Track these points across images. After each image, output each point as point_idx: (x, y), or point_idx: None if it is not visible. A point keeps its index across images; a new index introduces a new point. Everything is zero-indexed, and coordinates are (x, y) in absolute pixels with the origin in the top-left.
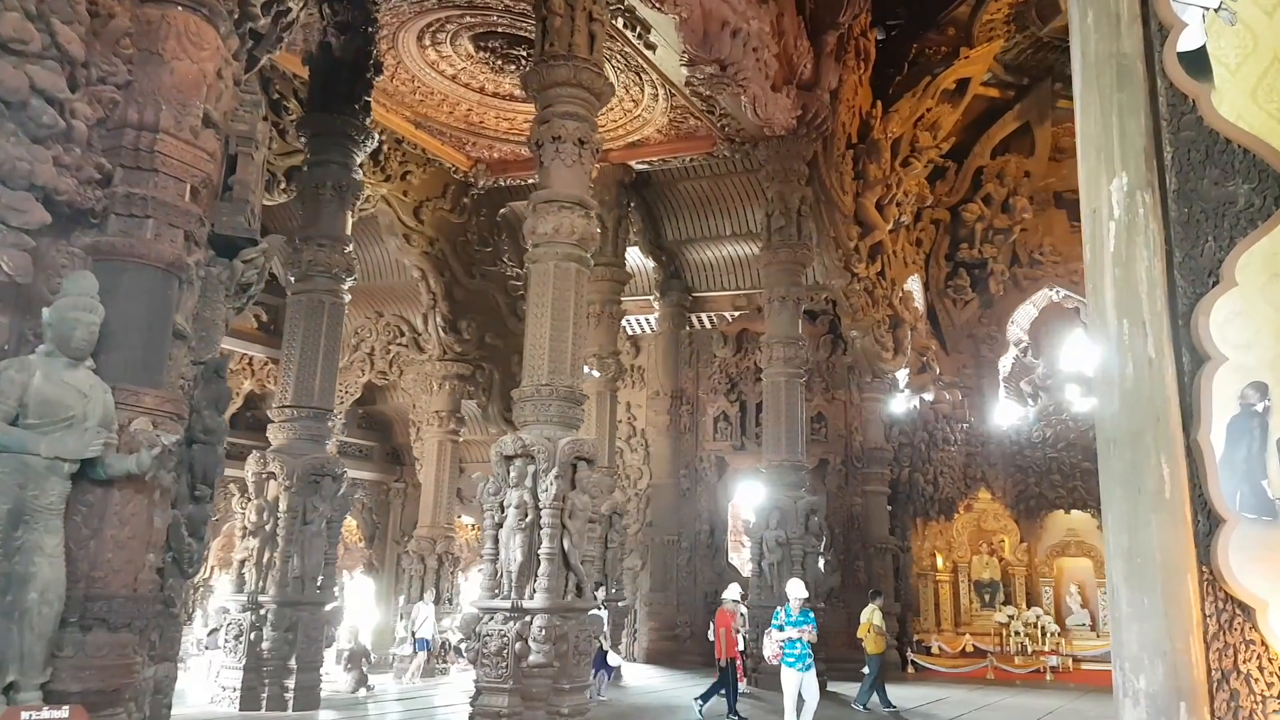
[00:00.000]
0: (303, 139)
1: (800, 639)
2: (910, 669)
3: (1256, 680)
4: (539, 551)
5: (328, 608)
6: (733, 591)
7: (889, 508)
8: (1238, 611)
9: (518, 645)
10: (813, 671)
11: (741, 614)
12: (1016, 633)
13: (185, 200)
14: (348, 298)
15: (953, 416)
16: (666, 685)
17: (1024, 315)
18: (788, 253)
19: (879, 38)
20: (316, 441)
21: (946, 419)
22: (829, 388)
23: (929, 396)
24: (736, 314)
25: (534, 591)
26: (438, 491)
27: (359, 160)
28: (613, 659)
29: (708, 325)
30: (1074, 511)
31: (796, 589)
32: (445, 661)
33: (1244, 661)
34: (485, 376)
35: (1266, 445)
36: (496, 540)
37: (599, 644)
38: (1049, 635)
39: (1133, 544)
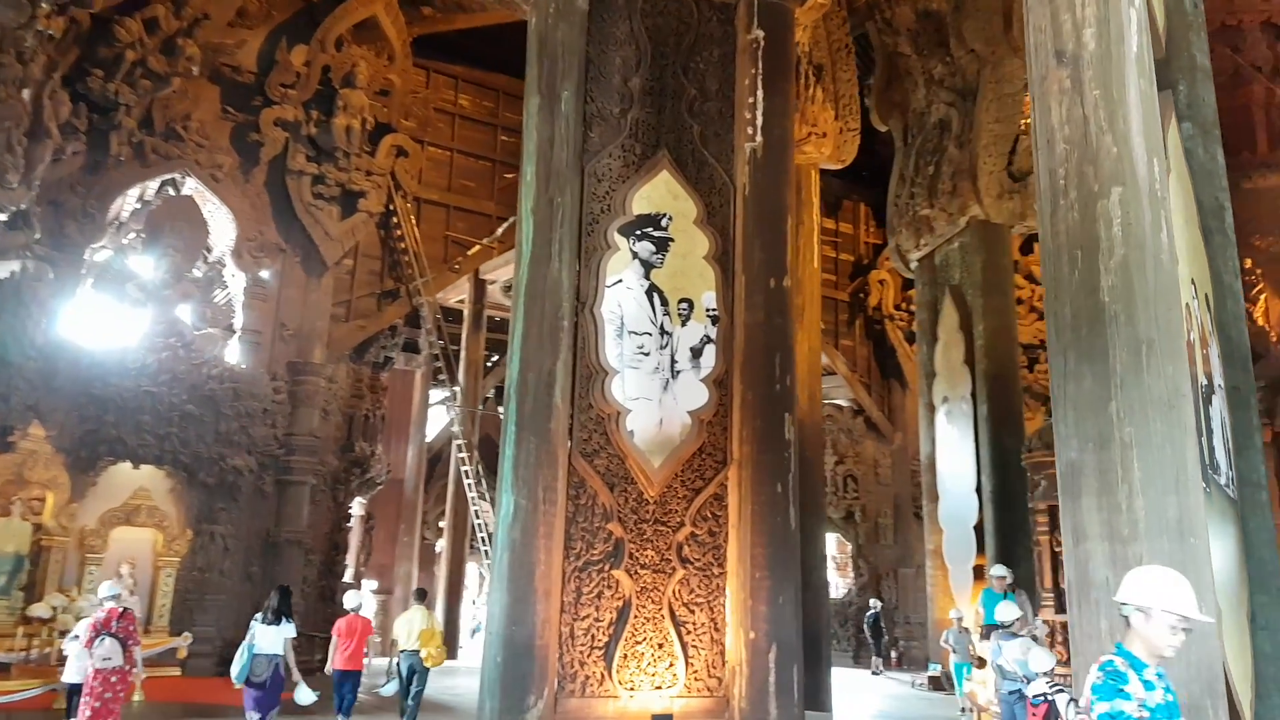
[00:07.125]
0: None
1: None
2: None
3: None
4: None
5: None
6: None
7: None
8: None
9: None
10: None
11: None
12: (63, 633)
13: None
14: None
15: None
16: None
17: (138, 197)
18: None
19: None
20: None
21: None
22: None
23: (15, 267)
24: None
25: None
26: None
27: None
28: (304, 695)
29: None
30: (147, 467)
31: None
32: None
33: None
34: None
35: None
36: None
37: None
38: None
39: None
